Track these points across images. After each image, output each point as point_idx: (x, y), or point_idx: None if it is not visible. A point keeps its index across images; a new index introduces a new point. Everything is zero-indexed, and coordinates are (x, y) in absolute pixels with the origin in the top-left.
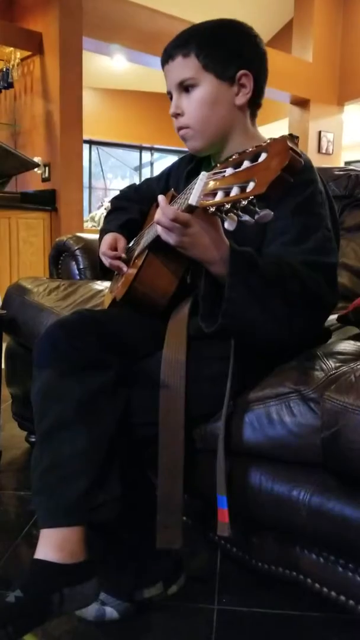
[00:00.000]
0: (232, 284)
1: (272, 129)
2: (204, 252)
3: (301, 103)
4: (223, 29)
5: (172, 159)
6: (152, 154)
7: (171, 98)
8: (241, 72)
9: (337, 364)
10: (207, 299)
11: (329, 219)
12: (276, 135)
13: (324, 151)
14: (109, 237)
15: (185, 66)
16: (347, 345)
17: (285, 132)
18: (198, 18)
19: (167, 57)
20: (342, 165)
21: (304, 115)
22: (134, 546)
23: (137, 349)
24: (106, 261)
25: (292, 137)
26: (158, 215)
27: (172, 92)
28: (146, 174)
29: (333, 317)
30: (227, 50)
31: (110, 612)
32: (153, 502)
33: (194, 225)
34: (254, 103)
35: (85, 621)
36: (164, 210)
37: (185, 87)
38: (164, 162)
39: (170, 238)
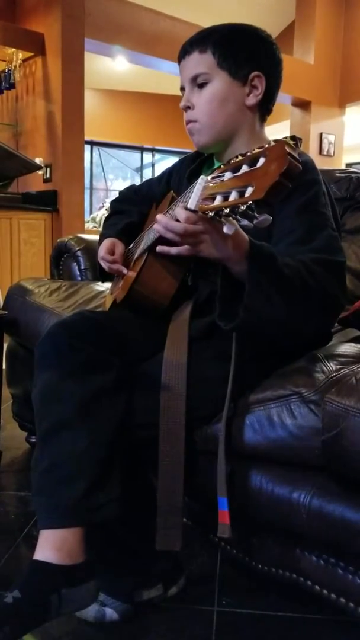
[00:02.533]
0: (253, 278)
1: (273, 131)
2: (225, 250)
3: (302, 105)
4: (242, 32)
5: (173, 160)
6: (153, 155)
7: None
8: (254, 73)
9: (338, 367)
10: (223, 297)
11: (332, 219)
12: (278, 137)
13: (325, 153)
14: (107, 242)
15: (201, 61)
16: (348, 348)
17: (287, 134)
18: (200, 20)
19: (184, 53)
20: (343, 167)
21: (306, 117)
22: (134, 547)
23: (138, 351)
24: (105, 265)
25: (294, 139)
26: (177, 229)
27: (185, 86)
28: (147, 175)
29: None
30: (243, 51)
31: (110, 613)
32: (153, 504)
33: (209, 224)
34: (265, 107)
35: (85, 622)
36: (169, 226)
37: (199, 83)
38: (165, 163)
39: (191, 247)
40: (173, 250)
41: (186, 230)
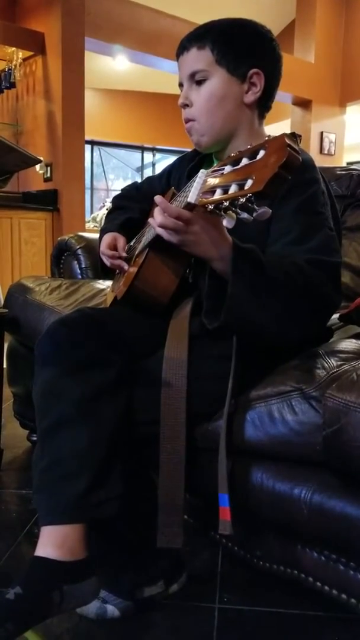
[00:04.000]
0: (235, 281)
1: (274, 130)
2: (207, 250)
3: (303, 104)
4: (241, 28)
5: (174, 159)
6: (154, 155)
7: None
8: (253, 70)
9: (339, 363)
10: (210, 295)
11: (331, 219)
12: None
13: (325, 152)
14: (108, 237)
15: (199, 58)
16: (349, 344)
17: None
18: (200, 19)
19: (182, 49)
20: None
21: (306, 116)
22: (135, 544)
23: (139, 348)
24: (106, 261)
25: (293, 135)
26: (158, 216)
27: (184, 83)
28: (148, 174)
29: (335, 316)
30: (242, 48)
31: (112, 610)
32: (155, 501)
33: (196, 223)
34: (264, 104)
35: (86, 619)
36: (167, 210)
37: (197, 80)
38: (165, 163)
39: (172, 237)
40: (158, 229)
41: (175, 224)
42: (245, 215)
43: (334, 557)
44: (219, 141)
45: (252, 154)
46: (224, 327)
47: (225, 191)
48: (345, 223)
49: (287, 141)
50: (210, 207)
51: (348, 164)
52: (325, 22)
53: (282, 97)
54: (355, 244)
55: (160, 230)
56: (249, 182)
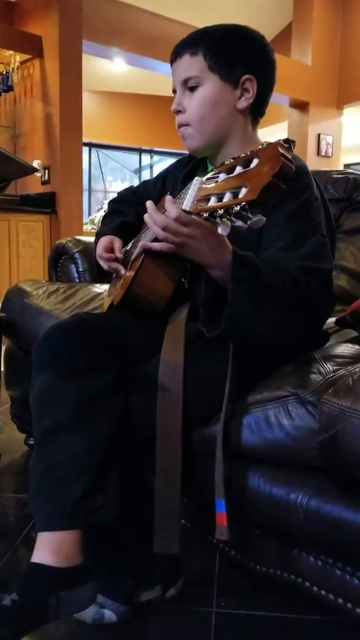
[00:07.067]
0: (235, 289)
1: (271, 132)
2: (206, 257)
3: (300, 106)
4: (234, 33)
5: (171, 162)
6: (151, 157)
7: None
8: (246, 76)
9: (335, 367)
10: (207, 303)
11: (324, 224)
12: (275, 139)
13: (323, 154)
14: (104, 240)
15: (192, 65)
16: (345, 349)
17: (285, 135)
18: (197, 21)
19: (175, 55)
20: (341, 168)
21: (303, 118)
22: (132, 549)
23: (136, 352)
24: (104, 264)
25: (287, 142)
26: (158, 222)
27: (177, 89)
28: (146, 176)
29: (331, 320)
30: (234, 54)
31: (109, 615)
32: (152, 505)
33: (197, 227)
34: (257, 110)
35: (83, 624)
36: (179, 217)
37: (190, 87)
38: (163, 165)
39: (175, 239)
40: (155, 245)
41: (168, 225)
42: (239, 223)
43: (331, 561)
44: (211, 146)
45: (246, 162)
46: (223, 335)
47: (220, 199)
48: (342, 226)
49: (280, 150)
50: (204, 214)
51: (345, 165)
52: (323, 24)
53: (280, 99)
54: (352, 247)
55: (160, 236)
56: (243, 191)
